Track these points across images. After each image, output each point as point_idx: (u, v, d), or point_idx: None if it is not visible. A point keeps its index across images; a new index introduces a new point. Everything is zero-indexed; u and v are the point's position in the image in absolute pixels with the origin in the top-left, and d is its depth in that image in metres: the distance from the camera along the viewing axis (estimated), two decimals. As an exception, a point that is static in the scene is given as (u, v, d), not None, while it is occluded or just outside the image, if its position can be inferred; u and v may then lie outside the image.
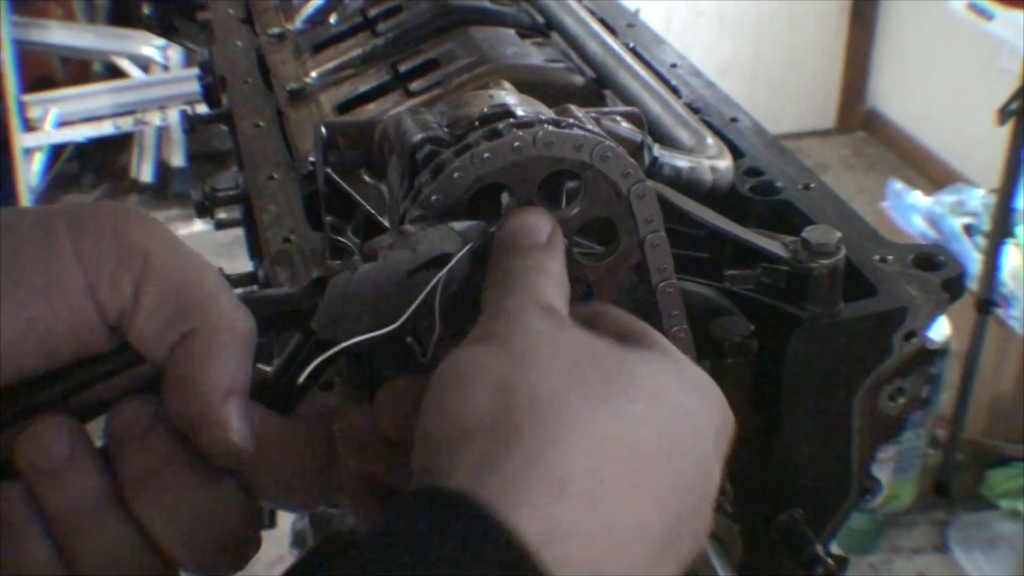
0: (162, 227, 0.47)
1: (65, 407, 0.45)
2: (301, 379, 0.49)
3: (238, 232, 1.30)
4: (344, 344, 0.50)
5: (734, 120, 0.98)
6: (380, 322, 0.51)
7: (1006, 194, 2.64)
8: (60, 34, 4.51)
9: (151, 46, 4.43)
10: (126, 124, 4.39)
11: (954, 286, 0.77)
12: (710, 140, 0.90)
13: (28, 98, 4.29)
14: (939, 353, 2.60)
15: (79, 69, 4.74)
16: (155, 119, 4.41)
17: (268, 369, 0.50)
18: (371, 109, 1.03)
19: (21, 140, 4.20)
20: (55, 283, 0.43)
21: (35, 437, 0.44)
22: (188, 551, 0.45)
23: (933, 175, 4.36)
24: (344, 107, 1.05)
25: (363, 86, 1.07)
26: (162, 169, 4.62)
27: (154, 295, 0.45)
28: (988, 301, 2.70)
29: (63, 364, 0.45)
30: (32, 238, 0.44)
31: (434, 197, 0.56)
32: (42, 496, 0.43)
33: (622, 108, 0.80)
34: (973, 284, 2.62)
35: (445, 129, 0.64)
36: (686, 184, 0.83)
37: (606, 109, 0.76)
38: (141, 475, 0.44)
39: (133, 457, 0.44)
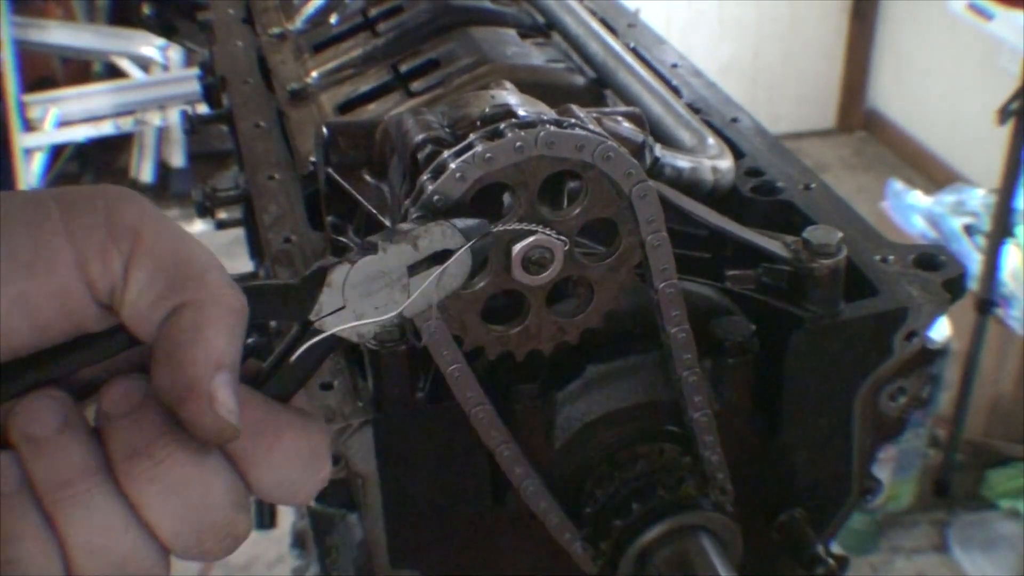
0: (153, 207, 0.46)
1: (59, 386, 0.45)
2: (293, 358, 0.49)
3: (238, 232, 1.30)
4: (335, 329, 0.50)
5: (735, 120, 0.98)
6: (378, 315, 0.51)
7: (1006, 194, 2.64)
8: (60, 34, 4.51)
9: (151, 46, 4.43)
10: (126, 124, 4.39)
11: (955, 286, 0.77)
12: (711, 140, 0.90)
13: (28, 98, 4.29)
14: (939, 353, 2.60)
15: (79, 69, 4.74)
16: (155, 119, 4.41)
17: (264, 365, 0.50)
18: (372, 109, 1.03)
19: (21, 140, 4.20)
20: (43, 258, 0.43)
21: (28, 408, 0.44)
22: (176, 530, 0.45)
23: (933, 175, 4.36)
24: (345, 107, 1.05)
25: (364, 86, 1.07)
26: (162, 169, 4.62)
27: (144, 271, 0.44)
28: (988, 301, 2.70)
29: (56, 341, 0.45)
30: (23, 215, 0.44)
31: (436, 197, 0.56)
32: (33, 466, 0.43)
33: (623, 108, 0.80)
34: (973, 284, 2.62)
35: (446, 129, 0.64)
36: (687, 184, 0.83)
37: (607, 109, 0.76)
38: (130, 452, 0.44)
39: (123, 434, 0.44)
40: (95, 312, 0.45)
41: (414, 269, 0.51)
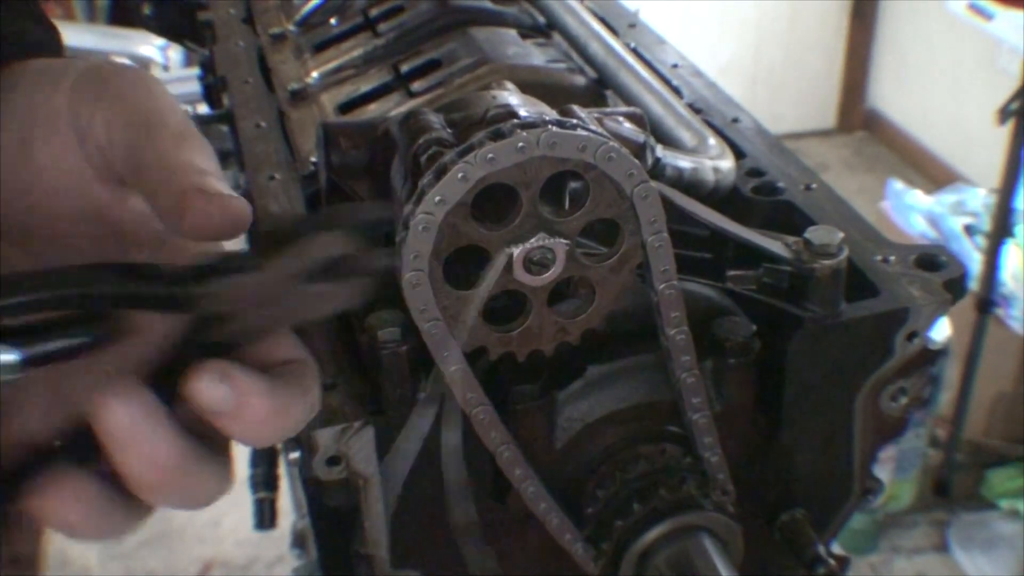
0: (148, 78, 0.54)
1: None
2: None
3: (239, 232, 1.30)
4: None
5: (735, 120, 0.98)
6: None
7: (1006, 194, 2.64)
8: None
9: (151, 46, 4.43)
10: (126, 124, 4.39)
11: (956, 286, 0.77)
12: (712, 141, 0.90)
13: (28, 98, 4.28)
14: (940, 353, 2.60)
15: (79, 69, 4.74)
16: (155, 119, 4.40)
17: None
18: (373, 109, 1.03)
19: (21, 140, 4.19)
20: (51, 115, 0.53)
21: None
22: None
23: (933, 175, 4.36)
24: (346, 107, 1.05)
25: (364, 86, 1.07)
26: (162, 169, 4.62)
27: (121, 120, 0.52)
28: (988, 301, 2.70)
29: (51, 199, 0.52)
30: (47, 81, 0.54)
31: (437, 198, 0.56)
32: None
33: (624, 108, 0.80)
34: (973, 284, 2.62)
35: (448, 130, 0.64)
36: (688, 184, 0.83)
37: (608, 110, 0.76)
38: None
39: None
40: (87, 169, 0.53)
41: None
